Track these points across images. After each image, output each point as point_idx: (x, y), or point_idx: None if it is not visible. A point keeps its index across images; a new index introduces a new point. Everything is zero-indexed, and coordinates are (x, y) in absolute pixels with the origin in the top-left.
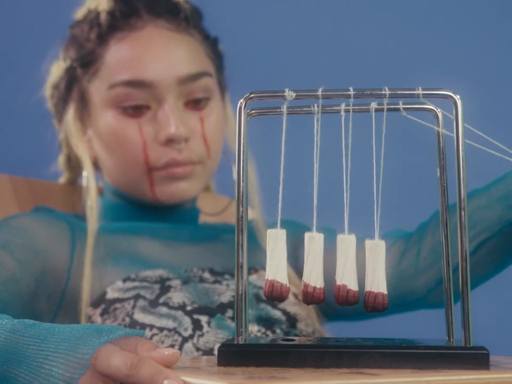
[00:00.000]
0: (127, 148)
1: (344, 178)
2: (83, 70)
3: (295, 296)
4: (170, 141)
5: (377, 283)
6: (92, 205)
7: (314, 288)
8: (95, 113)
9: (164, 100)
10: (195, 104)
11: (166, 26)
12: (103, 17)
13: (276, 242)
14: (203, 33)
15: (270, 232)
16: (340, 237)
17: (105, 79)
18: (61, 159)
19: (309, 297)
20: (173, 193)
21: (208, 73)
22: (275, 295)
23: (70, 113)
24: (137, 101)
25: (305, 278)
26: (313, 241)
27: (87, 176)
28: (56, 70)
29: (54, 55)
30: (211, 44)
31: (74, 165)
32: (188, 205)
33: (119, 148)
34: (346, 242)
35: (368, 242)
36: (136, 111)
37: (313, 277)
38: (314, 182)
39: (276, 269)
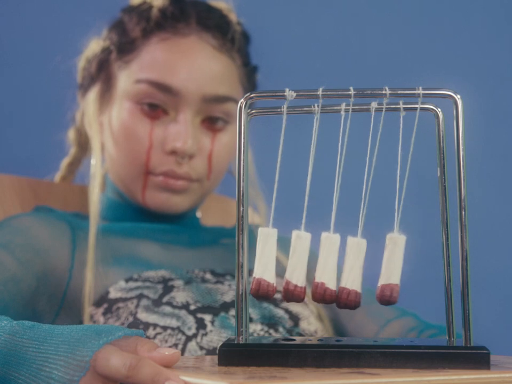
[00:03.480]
0: (132, 144)
1: (336, 177)
2: (118, 56)
3: None
4: (174, 153)
5: (352, 280)
6: (96, 191)
7: (295, 286)
8: (114, 101)
9: (183, 112)
10: (212, 124)
11: (211, 42)
12: (154, 13)
13: (266, 241)
14: (244, 59)
15: (261, 230)
16: (324, 235)
17: (134, 71)
18: (72, 132)
19: (289, 295)
20: (162, 203)
21: (234, 99)
22: (261, 293)
23: (93, 93)
24: (158, 102)
25: (288, 275)
26: (300, 240)
27: (95, 162)
28: (95, 46)
29: (98, 30)
30: (249, 71)
31: (83, 141)
32: (188, 214)
33: (125, 142)
34: (330, 240)
35: (350, 240)
36: (153, 111)
37: (296, 275)
38: (308, 181)
39: (264, 267)
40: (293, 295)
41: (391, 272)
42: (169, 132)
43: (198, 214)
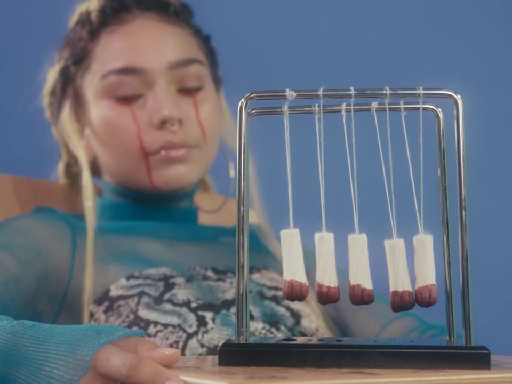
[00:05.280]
0: (121, 135)
1: (350, 178)
2: (76, 67)
3: None
4: (164, 123)
5: (402, 282)
6: (89, 203)
7: (329, 287)
8: (89, 108)
9: (156, 85)
10: (187, 90)
11: (156, 18)
12: (94, 15)
13: (290, 242)
14: (194, 28)
15: (283, 232)
16: (351, 237)
17: (97, 71)
18: (60, 167)
19: (323, 297)
20: (170, 177)
21: (199, 61)
22: (295, 295)
23: (65, 111)
24: (130, 88)
25: (319, 278)
26: (324, 241)
27: (84, 175)
28: (52, 74)
29: (50, 62)
30: (203, 39)
31: (73, 173)
32: (186, 204)
33: (114, 136)
34: (357, 241)
35: (387, 243)
36: (128, 98)
37: (327, 276)
38: (321, 183)
39: (294, 268)
40: (327, 296)
41: (425, 273)
42: (151, 107)
43: (197, 202)
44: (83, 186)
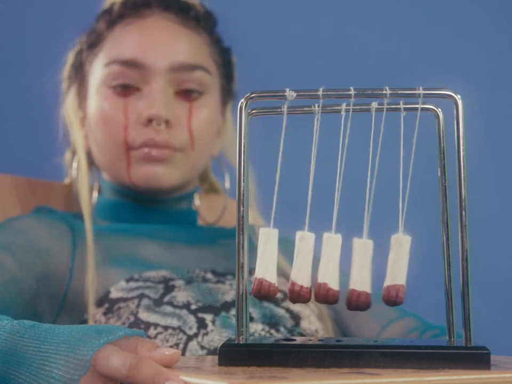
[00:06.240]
0: (109, 126)
1: (337, 177)
2: (88, 52)
3: None
4: (150, 121)
5: (362, 282)
6: (85, 192)
7: (301, 287)
8: (90, 96)
9: (154, 82)
10: (186, 95)
11: (173, 19)
12: (117, 6)
13: (267, 241)
14: (214, 37)
15: (262, 230)
16: (326, 235)
17: (102, 58)
18: (67, 155)
19: (295, 296)
20: (147, 175)
21: (205, 68)
22: (263, 294)
23: (70, 97)
24: (128, 81)
25: (293, 276)
26: (304, 241)
27: (78, 164)
28: (70, 59)
29: (73, 45)
30: (221, 50)
31: None
32: (185, 205)
33: (103, 126)
34: (332, 241)
35: (356, 241)
36: (125, 90)
37: (301, 276)
38: (310, 181)
39: (266, 267)
40: (298, 296)
41: (397, 272)
42: (143, 102)
43: (196, 201)
44: (75, 180)
